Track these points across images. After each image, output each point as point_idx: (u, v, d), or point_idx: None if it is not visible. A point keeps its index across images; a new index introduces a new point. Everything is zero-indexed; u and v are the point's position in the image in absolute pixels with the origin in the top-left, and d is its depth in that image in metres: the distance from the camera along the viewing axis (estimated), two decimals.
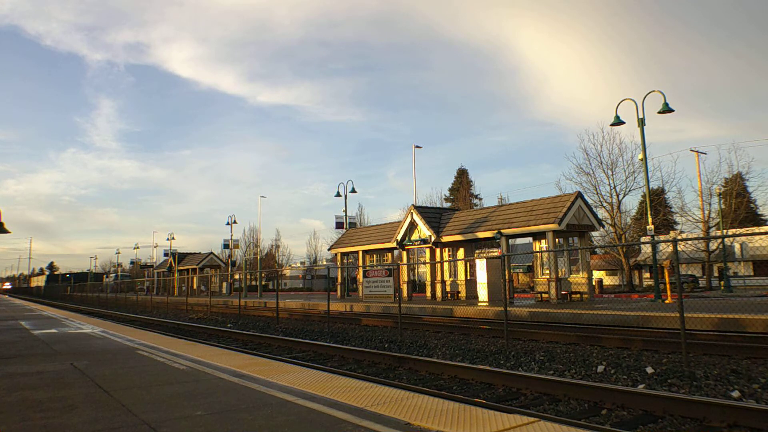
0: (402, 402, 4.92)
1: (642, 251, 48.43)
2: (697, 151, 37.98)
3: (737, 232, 35.65)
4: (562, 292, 22.54)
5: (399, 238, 30.14)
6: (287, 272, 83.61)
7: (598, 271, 46.55)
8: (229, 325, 19.49)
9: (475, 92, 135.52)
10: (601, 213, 38.91)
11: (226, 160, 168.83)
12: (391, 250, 33.39)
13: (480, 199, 70.65)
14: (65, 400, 5.20)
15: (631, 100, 23.59)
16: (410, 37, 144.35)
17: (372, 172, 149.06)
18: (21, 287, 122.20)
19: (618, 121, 23.58)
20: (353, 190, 40.69)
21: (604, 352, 10.56)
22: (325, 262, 76.81)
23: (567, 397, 6.78)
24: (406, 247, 30.60)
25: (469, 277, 27.97)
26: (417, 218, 29.18)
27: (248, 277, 73.59)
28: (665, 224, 45.98)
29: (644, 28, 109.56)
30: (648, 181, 25.19)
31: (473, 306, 20.98)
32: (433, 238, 28.18)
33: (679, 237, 14.69)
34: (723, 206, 38.82)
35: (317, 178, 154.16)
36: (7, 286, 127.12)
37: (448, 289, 28.82)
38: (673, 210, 44.10)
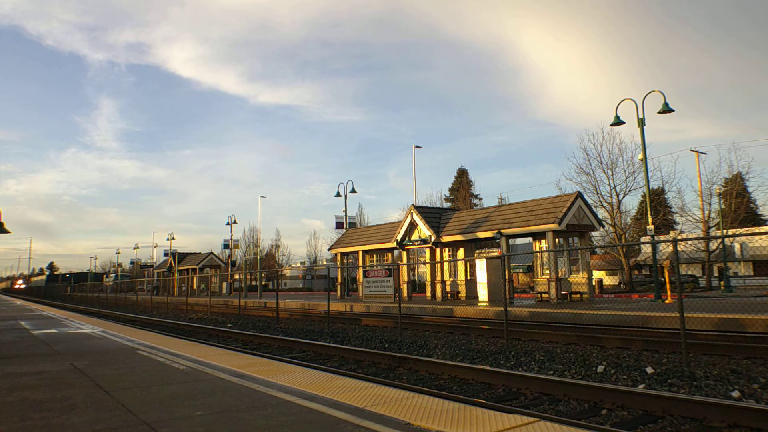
0: (402, 402, 4.92)
1: (642, 251, 48.41)
2: (697, 151, 37.97)
3: (737, 232, 35.62)
4: (562, 292, 22.54)
5: (399, 238, 30.13)
6: (287, 272, 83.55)
7: (598, 271, 46.54)
8: (229, 325, 19.49)
9: (477, 92, 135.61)
10: (601, 213, 38.91)
11: (227, 160, 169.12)
12: (391, 250, 33.39)
13: (480, 199, 70.65)
14: (65, 400, 5.20)
15: (631, 100, 23.60)
16: (412, 36, 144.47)
17: (372, 172, 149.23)
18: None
19: (618, 121, 23.58)
20: (353, 190, 40.70)
21: (604, 352, 10.56)
22: (325, 262, 76.75)
23: (567, 397, 6.78)
24: (406, 247, 30.59)
25: (469, 277, 27.96)
26: (417, 218, 29.18)
27: (248, 277, 73.53)
28: (665, 224, 45.94)
29: (645, 28, 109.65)
30: (648, 181, 25.19)
31: (473, 306, 20.97)
32: (433, 238, 28.18)
33: (679, 237, 14.68)
34: (723, 206, 38.80)
35: (318, 178, 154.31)
36: (20, 284, 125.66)
37: (448, 289, 28.81)
38: (673, 210, 44.07)
